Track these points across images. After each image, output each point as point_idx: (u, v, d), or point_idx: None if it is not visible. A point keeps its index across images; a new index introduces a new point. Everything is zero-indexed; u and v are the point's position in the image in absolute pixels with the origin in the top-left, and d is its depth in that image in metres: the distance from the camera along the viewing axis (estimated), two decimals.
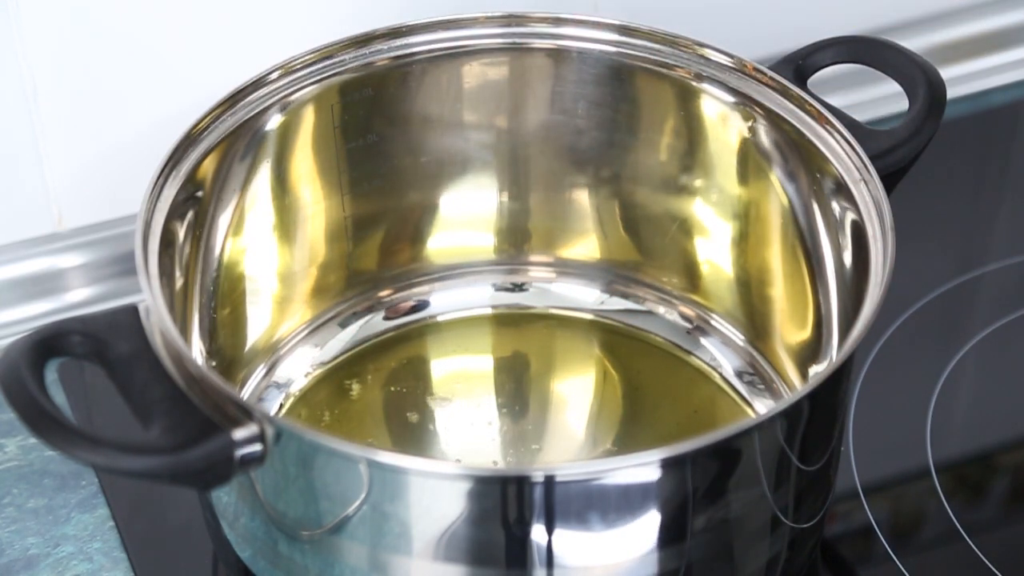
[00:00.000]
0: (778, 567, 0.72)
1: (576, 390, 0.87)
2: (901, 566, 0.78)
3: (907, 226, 0.78)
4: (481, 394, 0.86)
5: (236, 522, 0.72)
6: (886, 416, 0.86)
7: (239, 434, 0.65)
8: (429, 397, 0.85)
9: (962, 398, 0.87)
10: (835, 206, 0.78)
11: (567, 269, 0.91)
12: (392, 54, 0.84)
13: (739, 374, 0.86)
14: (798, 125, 0.79)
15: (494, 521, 0.65)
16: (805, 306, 0.82)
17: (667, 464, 0.65)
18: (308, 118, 0.83)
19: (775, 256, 0.84)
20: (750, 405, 0.84)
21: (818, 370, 0.81)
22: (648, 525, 0.66)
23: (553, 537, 0.65)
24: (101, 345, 0.68)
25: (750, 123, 0.82)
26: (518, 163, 0.89)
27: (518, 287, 0.91)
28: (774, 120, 0.81)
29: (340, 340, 0.88)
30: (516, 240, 0.91)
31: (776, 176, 0.82)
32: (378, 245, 0.89)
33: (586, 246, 0.91)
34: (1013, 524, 0.82)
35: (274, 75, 0.81)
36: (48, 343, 0.67)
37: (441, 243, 0.91)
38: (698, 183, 0.86)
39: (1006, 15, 1.10)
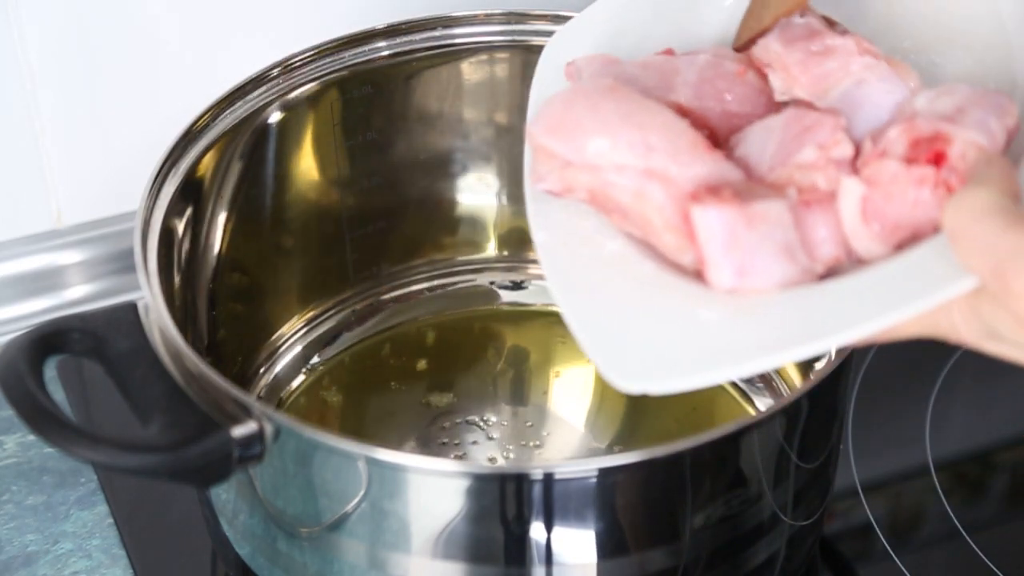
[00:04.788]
0: (777, 564, 0.72)
1: (575, 388, 0.87)
2: (900, 563, 0.78)
3: None
4: (480, 391, 0.86)
5: (235, 519, 0.72)
6: (885, 414, 0.86)
7: (238, 431, 0.65)
8: (428, 394, 0.85)
9: (961, 396, 0.87)
10: None
11: None
12: (392, 51, 0.84)
13: None
14: None
15: (493, 519, 0.65)
16: None
17: (666, 462, 0.65)
18: (308, 115, 0.83)
19: None
20: (750, 402, 0.84)
21: (817, 368, 0.81)
22: (647, 522, 0.66)
23: (552, 535, 0.65)
24: (100, 342, 0.68)
25: None
26: (518, 160, 0.89)
27: (517, 285, 0.91)
28: None
29: (339, 338, 0.88)
30: (515, 237, 0.91)
31: None
32: (377, 242, 0.89)
33: None
34: (1012, 522, 0.82)
35: (274, 72, 0.81)
36: (47, 340, 0.67)
37: (440, 240, 0.91)
38: None
39: None
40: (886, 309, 0.55)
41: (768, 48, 0.65)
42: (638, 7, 0.72)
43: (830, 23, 0.66)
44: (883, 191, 0.59)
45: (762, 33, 0.65)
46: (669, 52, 0.68)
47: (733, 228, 0.58)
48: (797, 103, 0.64)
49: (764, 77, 0.66)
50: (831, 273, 0.60)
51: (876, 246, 0.59)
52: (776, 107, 0.65)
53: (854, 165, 0.60)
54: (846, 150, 0.60)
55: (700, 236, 0.59)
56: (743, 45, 0.66)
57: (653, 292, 0.60)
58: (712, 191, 0.59)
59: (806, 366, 0.82)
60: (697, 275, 0.60)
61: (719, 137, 0.64)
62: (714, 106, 0.65)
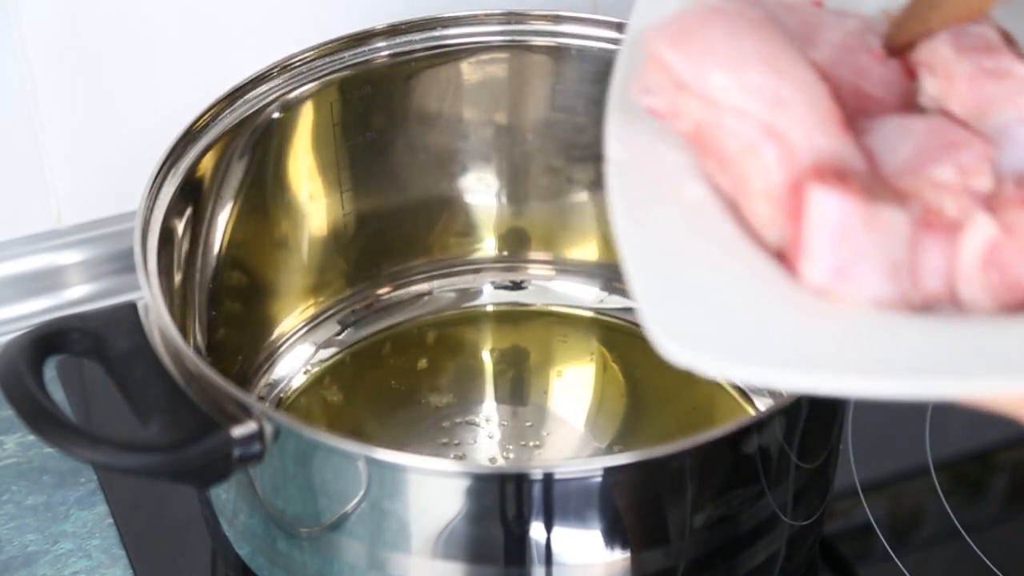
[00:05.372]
0: (777, 564, 0.72)
1: (575, 387, 0.87)
2: (900, 564, 0.78)
3: None
4: (480, 391, 0.86)
5: (235, 519, 0.72)
6: (885, 414, 0.85)
7: (238, 431, 0.65)
8: (428, 394, 0.85)
9: None
10: None
11: (566, 267, 0.91)
12: (391, 51, 0.84)
13: None
14: None
15: (493, 519, 0.65)
16: None
17: (666, 462, 0.65)
18: (307, 115, 0.83)
19: None
20: (750, 402, 0.84)
21: None
22: (647, 522, 0.66)
23: (552, 535, 0.65)
24: (100, 342, 0.68)
25: None
26: (517, 160, 0.89)
27: (517, 285, 0.91)
28: None
29: (339, 337, 0.88)
30: (515, 237, 0.91)
31: None
32: (377, 242, 0.89)
33: (586, 244, 0.91)
34: (1012, 522, 0.82)
35: (274, 72, 0.81)
36: (47, 340, 0.67)
37: (440, 240, 0.91)
38: None
39: None
40: (997, 375, 0.49)
41: (936, 51, 0.58)
42: None
43: (1008, 39, 0.58)
44: (1019, 243, 0.52)
45: (924, 36, 0.58)
46: (818, 3, 0.61)
47: (849, 224, 0.52)
48: (944, 114, 0.57)
49: (909, 72, 0.59)
50: (924, 307, 0.53)
51: (984, 297, 0.53)
52: (911, 106, 0.58)
53: (988, 203, 0.54)
54: (986, 183, 0.54)
55: (809, 219, 0.52)
56: (899, 47, 0.59)
57: (726, 258, 0.53)
58: (839, 175, 0.53)
59: None
60: (778, 255, 0.54)
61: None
62: (849, 78, 0.58)
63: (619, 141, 0.57)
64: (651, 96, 0.56)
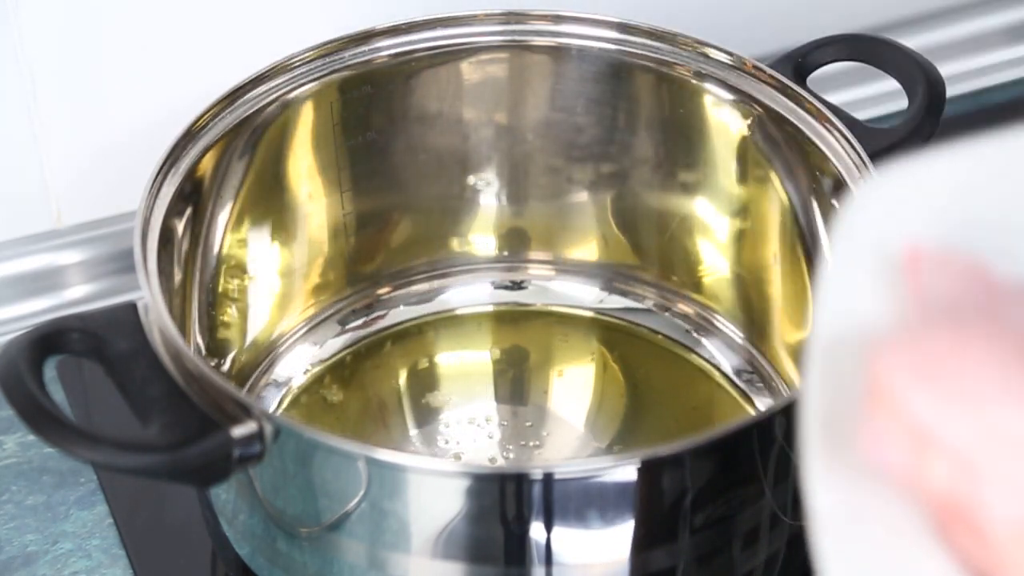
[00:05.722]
0: (777, 565, 0.72)
1: (575, 388, 0.87)
2: None
3: None
4: (480, 391, 0.86)
5: (235, 519, 0.72)
6: None
7: (238, 432, 0.65)
8: (428, 394, 0.85)
9: None
10: (835, 204, 0.78)
11: (566, 267, 0.91)
12: (392, 51, 0.84)
13: (738, 372, 0.86)
14: (797, 123, 0.79)
15: (493, 519, 0.65)
16: (804, 304, 0.82)
17: (666, 462, 0.65)
18: (307, 115, 0.84)
19: (774, 254, 0.84)
20: (750, 402, 0.84)
21: None
22: (647, 522, 0.66)
23: (552, 535, 0.65)
24: (100, 342, 0.68)
25: (749, 121, 0.82)
26: (517, 160, 0.89)
27: (517, 285, 0.91)
28: (773, 118, 0.81)
29: (339, 337, 0.88)
30: (515, 237, 0.91)
31: (775, 174, 0.82)
32: (377, 242, 0.89)
33: (585, 244, 0.91)
34: None
35: (274, 72, 0.81)
36: (47, 340, 0.67)
37: (440, 240, 0.90)
38: (697, 181, 0.86)
39: (1006, 12, 1.10)
40: None
41: None
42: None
43: None
44: None
45: None
46: None
47: None
48: None
49: None
50: None
51: None
52: None
53: None
54: None
55: None
56: None
57: None
58: None
59: None
60: None
61: None
62: None
63: (826, 488, 0.43)
64: (885, 450, 0.42)
